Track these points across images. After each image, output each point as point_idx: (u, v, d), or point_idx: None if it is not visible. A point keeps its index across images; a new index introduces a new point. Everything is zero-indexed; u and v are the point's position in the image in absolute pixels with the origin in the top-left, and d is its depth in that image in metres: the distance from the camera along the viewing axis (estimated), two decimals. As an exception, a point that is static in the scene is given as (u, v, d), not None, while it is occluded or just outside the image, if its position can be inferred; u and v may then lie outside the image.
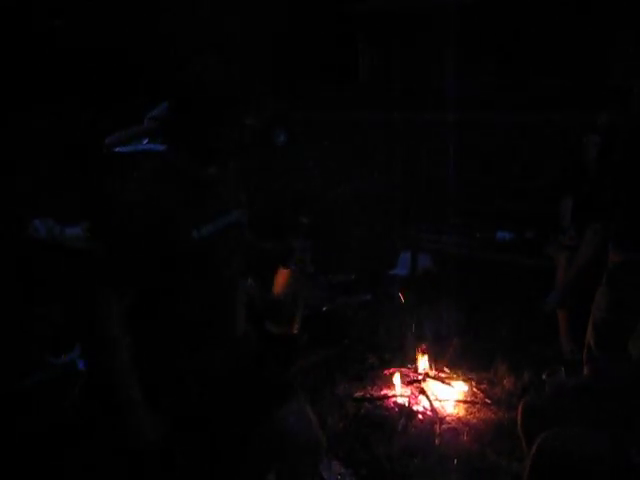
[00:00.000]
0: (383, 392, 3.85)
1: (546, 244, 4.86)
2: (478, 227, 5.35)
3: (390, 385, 3.90)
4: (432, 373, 3.93)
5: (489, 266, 5.06)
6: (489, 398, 3.77)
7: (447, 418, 3.59)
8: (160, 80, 3.20)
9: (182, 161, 2.07)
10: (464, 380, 3.91)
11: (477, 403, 3.73)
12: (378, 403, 3.74)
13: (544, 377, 3.46)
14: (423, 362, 3.97)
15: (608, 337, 3.21)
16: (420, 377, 3.89)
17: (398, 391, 3.82)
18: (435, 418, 3.55)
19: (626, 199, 3.10)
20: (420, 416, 3.60)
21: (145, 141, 8.44)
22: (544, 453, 2.30)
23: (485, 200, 5.41)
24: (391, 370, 4.00)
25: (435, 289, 4.93)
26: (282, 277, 2.54)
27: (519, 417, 2.59)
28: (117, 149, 7.67)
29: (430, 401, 3.69)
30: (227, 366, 2.22)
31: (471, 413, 3.66)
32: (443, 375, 3.94)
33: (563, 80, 7.84)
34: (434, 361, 3.98)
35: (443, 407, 3.68)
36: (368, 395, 3.82)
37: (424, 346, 4.00)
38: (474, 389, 3.86)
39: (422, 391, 3.78)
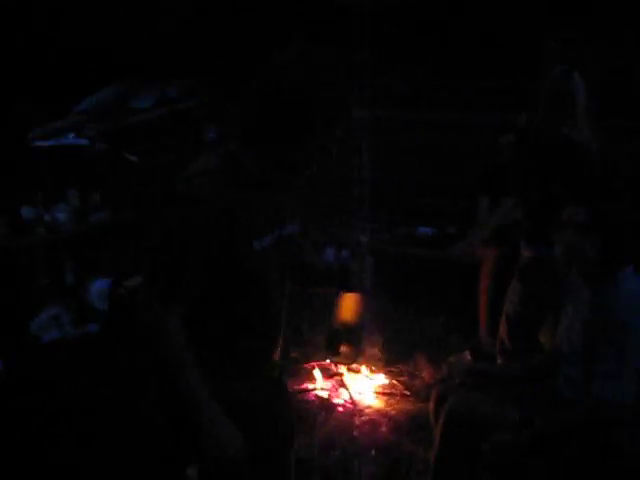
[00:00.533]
0: (303, 386, 3.88)
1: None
2: (400, 223, 5.44)
3: (311, 379, 3.94)
4: (353, 366, 3.98)
5: (412, 261, 5.14)
6: (408, 390, 3.86)
7: (366, 410, 3.65)
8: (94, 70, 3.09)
9: (255, 166, 1.77)
10: (385, 373, 3.98)
11: (396, 395, 3.81)
12: (299, 397, 3.77)
13: (451, 359, 3.58)
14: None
15: (520, 330, 3.34)
16: (341, 370, 3.94)
17: (319, 385, 3.86)
18: (354, 410, 3.61)
19: (535, 198, 3.22)
20: (340, 409, 3.65)
21: (71, 136, 8.25)
22: (452, 414, 2.41)
23: (407, 196, 5.52)
24: (312, 364, 4.04)
25: (358, 283, 4.97)
26: (349, 302, 2.18)
27: (430, 405, 2.68)
28: (39, 143, 7.47)
29: (350, 394, 3.74)
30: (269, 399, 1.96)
31: (390, 405, 3.73)
32: (364, 368, 4.00)
33: (487, 80, 8.05)
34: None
35: (362, 399, 3.75)
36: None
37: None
38: (394, 381, 3.94)
39: (342, 384, 3.84)
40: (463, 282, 4.80)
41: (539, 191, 3.15)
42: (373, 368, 4.01)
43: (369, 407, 3.69)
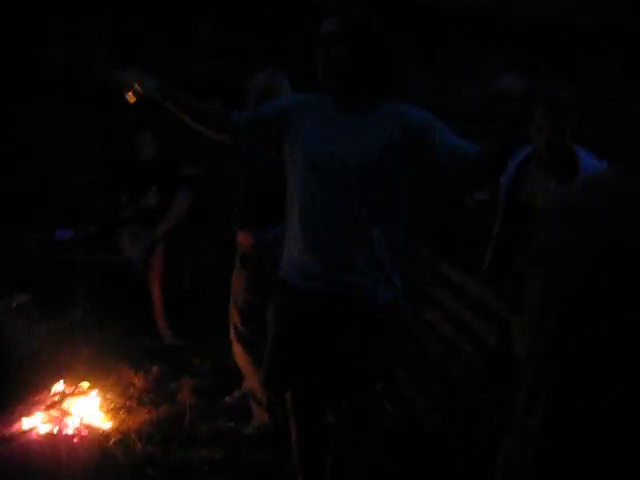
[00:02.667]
0: (15, 429, 3.45)
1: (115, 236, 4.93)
2: (34, 227, 5.04)
3: (20, 418, 3.51)
4: (68, 390, 3.68)
5: (57, 266, 4.84)
6: (130, 399, 3.77)
7: (108, 431, 3.47)
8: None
9: None
10: (98, 389, 3.78)
11: (123, 407, 3.69)
12: (13, 445, 3.34)
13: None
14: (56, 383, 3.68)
15: (252, 317, 3.55)
16: (57, 398, 3.61)
17: (36, 422, 3.48)
18: (96, 436, 3.40)
19: (254, 182, 3.42)
20: (76, 440, 3.39)
21: None
22: None
23: (41, 199, 5.12)
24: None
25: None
26: None
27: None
28: None
29: (80, 420, 3.49)
30: None
31: (125, 418, 3.60)
32: (79, 389, 3.73)
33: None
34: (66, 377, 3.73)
35: (92, 422, 3.53)
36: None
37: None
38: (108, 395, 3.79)
39: (65, 413, 3.53)
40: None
41: (255, 176, 3.38)
42: (88, 387, 3.77)
43: (107, 427, 3.50)
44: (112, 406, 3.70)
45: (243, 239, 3.49)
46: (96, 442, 3.35)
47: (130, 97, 2.57)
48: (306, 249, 2.49)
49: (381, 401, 2.68)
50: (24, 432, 3.38)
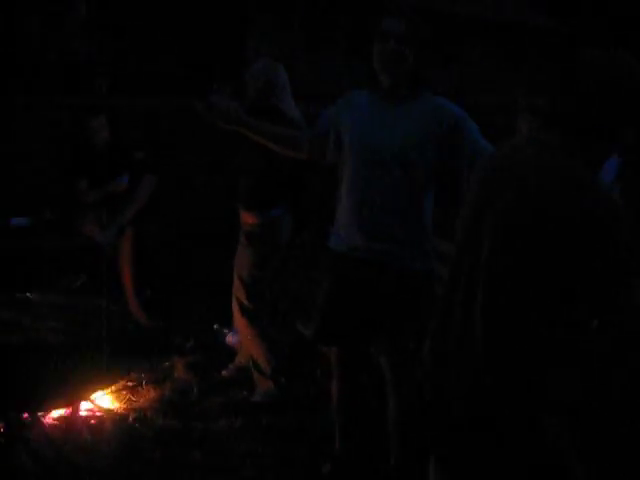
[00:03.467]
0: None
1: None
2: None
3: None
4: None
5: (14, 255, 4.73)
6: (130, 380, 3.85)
7: (121, 410, 3.54)
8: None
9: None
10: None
11: (124, 389, 3.77)
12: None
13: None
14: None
15: (257, 291, 3.73)
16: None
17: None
18: (112, 416, 3.47)
19: (258, 166, 3.59)
20: (94, 421, 3.44)
21: None
22: None
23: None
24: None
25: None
26: None
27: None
28: None
29: (92, 401, 3.54)
30: None
31: (131, 398, 3.68)
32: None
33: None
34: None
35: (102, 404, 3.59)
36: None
37: None
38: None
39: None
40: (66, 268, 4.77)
41: (262, 158, 3.54)
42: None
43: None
44: (114, 388, 3.74)
45: (249, 219, 3.66)
46: (116, 421, 3.42)
47: (224, 125, 2.81)
48: (352, 224, 2.76)
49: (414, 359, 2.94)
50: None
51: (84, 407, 3.50)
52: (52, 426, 3.32)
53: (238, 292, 3.74)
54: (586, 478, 1.89)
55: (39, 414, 3.34)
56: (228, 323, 4.29)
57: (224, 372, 4.00)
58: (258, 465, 3.15)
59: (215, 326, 4.51)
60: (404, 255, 2.74)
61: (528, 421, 1.77)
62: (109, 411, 3.51)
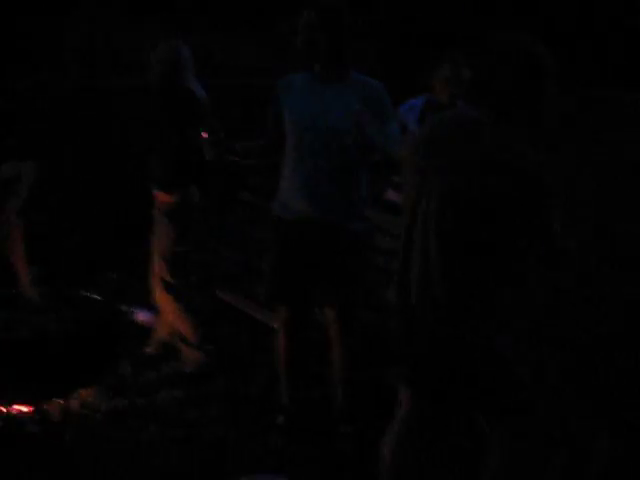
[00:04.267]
0: None
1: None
2: None
3: None
4: None
5: None
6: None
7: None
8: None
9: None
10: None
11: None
12: None
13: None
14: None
15: (179, 267, 3.87)
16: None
17: None
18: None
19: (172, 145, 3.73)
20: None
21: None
22: None
23: None
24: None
25: None
26: None
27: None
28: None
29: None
30: None
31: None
32: None
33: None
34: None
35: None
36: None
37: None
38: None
39: None
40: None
41: (175, 138, 3.69)
42: None
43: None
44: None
45: (166, 197, 3.78)
46: (60, 410, 3.45)
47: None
48: (295, 194, 3.11)
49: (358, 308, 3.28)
50: None
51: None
52: None
53: (161, 270, 3.86)
54: (527, 378, 2.29)
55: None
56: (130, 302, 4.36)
57: (148, 349, 4.11)
58: (214, 431, 3.35)
59: (122, 307, 4.55)
60: (344, 219, 3.10)
61: (485, 341, 2.17)
62: (50, 402, 3.52)
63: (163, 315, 4.05)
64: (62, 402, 3.50)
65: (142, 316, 4.40)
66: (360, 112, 2.95)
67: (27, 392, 3.45)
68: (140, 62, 4.10)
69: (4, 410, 3.41)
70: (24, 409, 3.43)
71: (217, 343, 4.05)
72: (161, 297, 3.95)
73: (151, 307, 4.17)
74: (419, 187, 2.21)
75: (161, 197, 3.81)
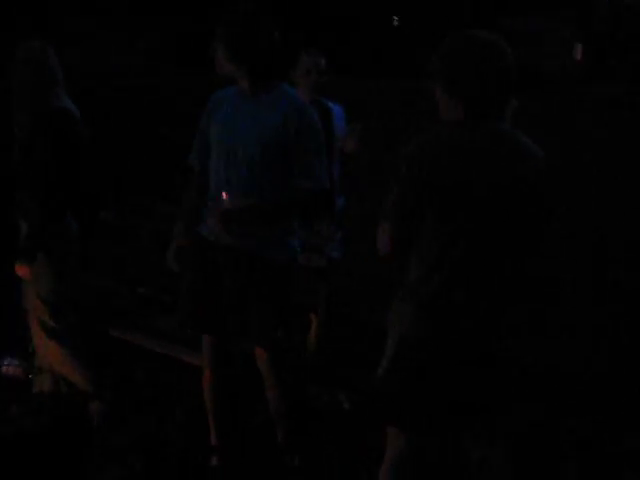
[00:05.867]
0: None
1: None
2: None
3: None
4: None
5: None
6: None
7: None
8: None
9: None
10: None
11: None
12: None
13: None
14: None
15: (61, 306, 3.36)
16: None
17: None
18: None
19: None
20: None
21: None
22: None
23: None
24: None
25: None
26: None
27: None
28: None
29: None
30: None
31: None
32: None
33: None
34: None
35: None
36: None
37: None
38: None
39: None
40: None
41: (51, 171, 3.18)
42: None
43: None
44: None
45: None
46: None
47: None
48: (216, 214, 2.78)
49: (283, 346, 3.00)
50: None
51: None
52: None
53: (41, 314, 3.33)
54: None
55: None
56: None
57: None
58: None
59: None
60: (263, 244, 2.82)
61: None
62: None
63: (44, 362, 3.51)
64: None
65: (8, 369, 3.81)
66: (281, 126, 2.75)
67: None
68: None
69: None
70: None
71: (117, 386, 3.59)
72: (42, 344, 3.41)
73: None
74: (437, 208, 2.09)
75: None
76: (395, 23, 15.42)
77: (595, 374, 3.54)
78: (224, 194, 2.70)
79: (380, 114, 8.25)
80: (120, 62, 8.00)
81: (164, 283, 3.84)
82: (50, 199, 3.23)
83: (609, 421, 3.23)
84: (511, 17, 20.53)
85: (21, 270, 3.25)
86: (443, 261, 2.09)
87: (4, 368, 3.84)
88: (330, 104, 3.86)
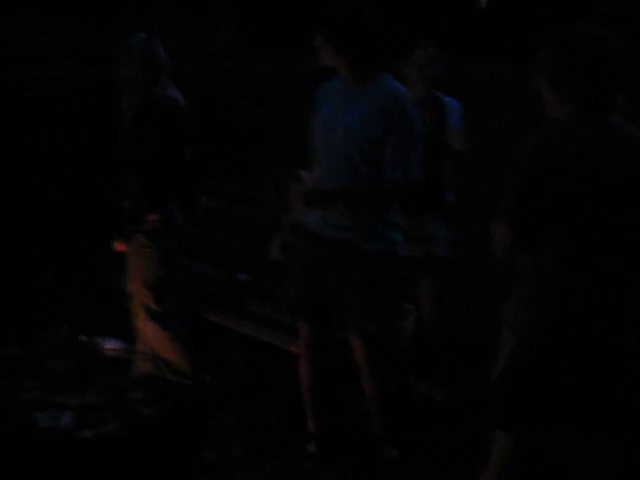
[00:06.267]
0: None
1: None
2: None
3: None
4: None
5: None
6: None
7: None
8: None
9: None
10: None
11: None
12: None
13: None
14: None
15: (164, 292, 3.44)
16: None
17: None
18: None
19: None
20: None
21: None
22: None
23: None
24: None
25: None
26: None
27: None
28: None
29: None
30: None
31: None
32: None
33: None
34: None
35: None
36: None
37: None
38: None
39: None
40: None
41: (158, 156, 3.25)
42: None
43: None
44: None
45: (148, 217, 3.34)
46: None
47: None
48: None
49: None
50: None
51: None
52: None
53: (144, 298, 3.42)
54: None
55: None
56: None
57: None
58: (240, 470, 3.00)
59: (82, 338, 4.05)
60: (360, 233, 2.82)
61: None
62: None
63: (145, 346, 3.61)
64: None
65: (111, 345, 3.93)
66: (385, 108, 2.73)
67: None
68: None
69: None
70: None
71: (215, 371, 3.65)
72: (145, 327, 3.51)
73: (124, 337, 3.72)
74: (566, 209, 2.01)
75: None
76: (482, 5, 14.94)
77: None
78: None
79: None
80: (205, 47, 8.17)
81: (262, 270, 3.87)
82: (154, 185, 3.30)
83: None
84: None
85: (120, 246, 3.37)
86: (565, 264, 2.01)
87: (109, 351, 3.96)
88: (446, 99, 3.79)
